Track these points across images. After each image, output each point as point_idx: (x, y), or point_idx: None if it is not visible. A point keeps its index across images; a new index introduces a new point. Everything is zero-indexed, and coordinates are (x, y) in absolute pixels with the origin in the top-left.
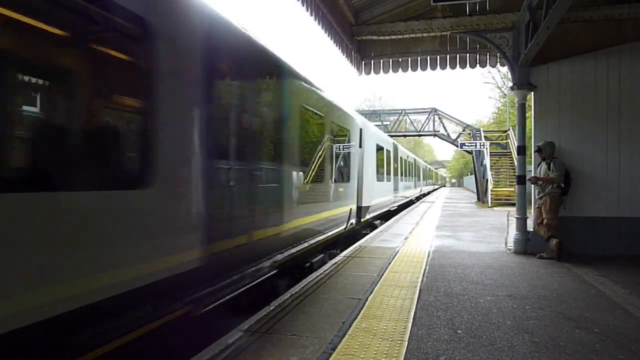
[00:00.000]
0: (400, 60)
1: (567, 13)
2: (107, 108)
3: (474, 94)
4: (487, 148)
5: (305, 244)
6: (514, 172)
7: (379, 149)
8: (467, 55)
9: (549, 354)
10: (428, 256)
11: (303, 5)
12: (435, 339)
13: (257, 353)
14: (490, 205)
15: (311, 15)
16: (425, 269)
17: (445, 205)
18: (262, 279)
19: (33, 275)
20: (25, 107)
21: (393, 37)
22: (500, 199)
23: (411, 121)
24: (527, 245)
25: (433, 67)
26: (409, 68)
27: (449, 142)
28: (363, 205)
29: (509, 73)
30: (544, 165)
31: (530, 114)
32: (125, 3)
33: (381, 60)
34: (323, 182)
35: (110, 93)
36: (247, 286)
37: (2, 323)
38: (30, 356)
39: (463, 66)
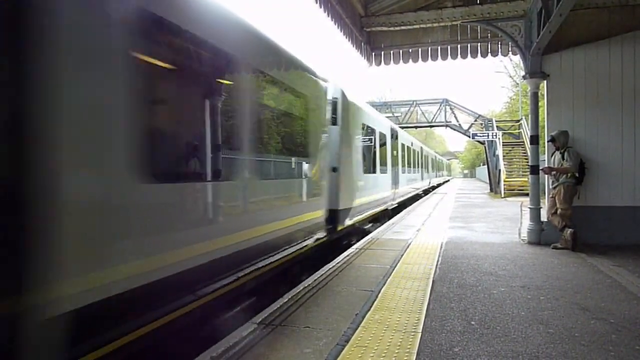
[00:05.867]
0: (410, 51)
1: None
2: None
3: (485, 83)
4: (499, 138)
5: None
6: (527, 162)
7: (370, 131)
8: (478, 44)
9: (564, 345)
10: (441, 248)
11: None
12: (449, 330)
13: (271, 345)
14: (503, 195)
15: (320, 7)
16: (438, 261)
17: (457, 197)
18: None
19: None
20: None
21: (403, 27)
22: (513, 190)
23: (422, 112)
24: (541, 235)
25: (444, 58)
26: (420, 59)
27: (460, 132)
28: (340, 208)
29: (521, 62)
30: (558, 155)
31: (543, 102)
32: None
33: (391, 51)
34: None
35: None
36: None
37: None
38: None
39: (474, 56)
